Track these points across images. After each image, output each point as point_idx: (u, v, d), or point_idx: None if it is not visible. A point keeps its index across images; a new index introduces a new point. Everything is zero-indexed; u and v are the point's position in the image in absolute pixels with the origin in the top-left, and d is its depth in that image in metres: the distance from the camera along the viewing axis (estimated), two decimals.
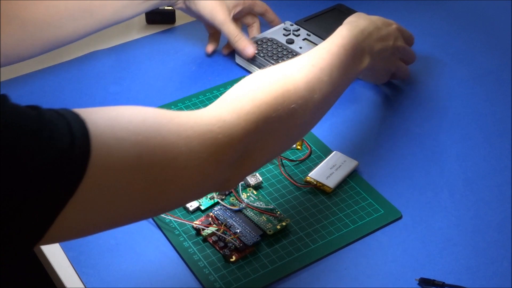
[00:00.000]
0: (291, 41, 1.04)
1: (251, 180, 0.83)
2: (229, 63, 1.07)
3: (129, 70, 1.05)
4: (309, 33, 1.06)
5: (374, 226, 0.80)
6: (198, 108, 0.93)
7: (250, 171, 0.70)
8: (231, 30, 1.01)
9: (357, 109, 0.98)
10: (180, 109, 0.96)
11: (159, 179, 0.57)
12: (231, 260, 0.75)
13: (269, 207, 0.80)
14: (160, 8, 1.15)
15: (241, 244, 0.76)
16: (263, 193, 0.83)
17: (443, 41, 1.12)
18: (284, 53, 1.02)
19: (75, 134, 0.50)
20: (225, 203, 0.81)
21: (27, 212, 0.47)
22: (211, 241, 0.77)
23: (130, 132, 0.54)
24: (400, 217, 0.81)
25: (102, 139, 0.51)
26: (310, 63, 0.73)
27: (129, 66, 1.06)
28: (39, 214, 0.48)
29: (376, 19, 0.89)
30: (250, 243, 0.76)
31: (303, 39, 1.05)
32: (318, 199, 0.83)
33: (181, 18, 1.16)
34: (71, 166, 0.49)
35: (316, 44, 0.98)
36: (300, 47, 1.03)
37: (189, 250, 0.77)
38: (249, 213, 0.80)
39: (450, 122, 0.96)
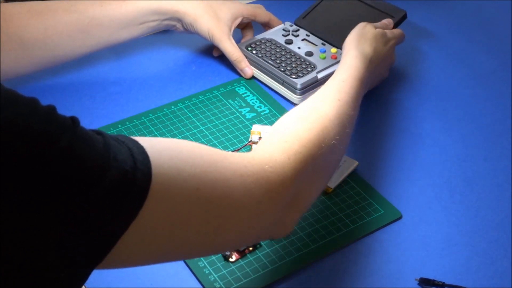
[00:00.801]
0: (289, 42, 1.03)
1: None
2: (229, 63, 1.06)
3: (129, 70, 1.05)
4: (308, 33, 1.05)
5: (374, 226, 0.80)
6: (198, 108, 0.93)
7: (303, 211, 0.69)
8: (229, 50, 1.01)
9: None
10: (180, 109, 0.96)
11: (215, 215, 0.56)
12: (231, 260, 0.75)
13: None
14: None
15: None
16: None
17: (443, 41, 1.12)
18: (283, 53, 1.01)
19: (136, 158, 0.49)
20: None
21: (91, 233, 0.47)
22: None
23: (189, 164, 0.54)
24: (400, 217, 0.81)
25: (162, 166, 0.51)
26: (336, 97, 0.75)
27: (129, 66, 1.06)
28: (102, 236, 0.48)
29: (378, 39, 0.92)
30: None
31: (302, 40, 1.04)
32: (318, 199, 0.83)
33: None
34: (134, 189, 0.49)
35: (315, 45, 1.03)
36: (299, 47, 1.02)
37: None
38: None
39: (450, 122, 0.96)
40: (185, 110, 0.96)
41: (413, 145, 0.92)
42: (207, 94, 0.99)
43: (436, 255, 0.77)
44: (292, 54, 1.01)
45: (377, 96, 1.00)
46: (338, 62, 0.94)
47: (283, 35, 1.05)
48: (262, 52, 1.02)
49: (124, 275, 0.74)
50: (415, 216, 0.82)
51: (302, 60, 1.00)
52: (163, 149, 0.53)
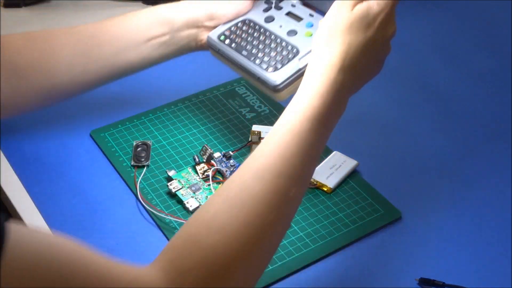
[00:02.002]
0: (270, 19, 0.81)
1: None
2: None
3: None
4: (294, 2, 0.82)
5: (374, 226, 0.80)
6: (198, 108, 0.92)
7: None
8: None
9: (357, 109, 0.98)
10: (180, 109, 0.96)
11: None
12: None
13: None
14: None
15: None
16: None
17: (443, 41, 1.12)
18: (261, 38, 0.79)
19: None
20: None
21: None
22: None
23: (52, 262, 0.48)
24: (400, 217, 0.81)
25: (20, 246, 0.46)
26: (276, 169, 0.60)
27: None
28: None
29: (355, 26, 0.68)
30: None
31: (286, 14, 0.81)
32: (318, 199, 0.83)
33: None
34: None
35: (300, 18, 0.79)
36: (280, 26, 0.79)
37: None
38: None
39: (450, 122, 0.96)
40: (185, 110, 0.96)
41: (413, 145, 0.92)
42: (207, 94, 0.99)
43: (436, 255, 0.77)
44: (272, 37, 0.79)
45: (376, 96, 1.00)
46: None
47: (264, 10, 0.83)
48: (237, 40, 0.80)
49: None
50: (415, 216, 0.81)
51: (284, 44, 0.77)
52: (27, 235, 0.48)
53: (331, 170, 0.85)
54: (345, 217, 0.81)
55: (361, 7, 0.68)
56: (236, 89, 1.00)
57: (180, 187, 0.83)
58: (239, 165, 0.84)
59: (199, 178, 0.84)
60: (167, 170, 0.85)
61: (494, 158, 0.90)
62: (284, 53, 0.76)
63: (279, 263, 0.75)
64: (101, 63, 0.81)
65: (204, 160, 0.86)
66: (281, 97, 0.76)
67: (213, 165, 0.85)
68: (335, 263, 0.76)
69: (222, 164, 0.86)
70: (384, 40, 0.72)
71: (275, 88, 0.74)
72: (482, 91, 1.02)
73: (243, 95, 0.99)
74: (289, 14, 0.81)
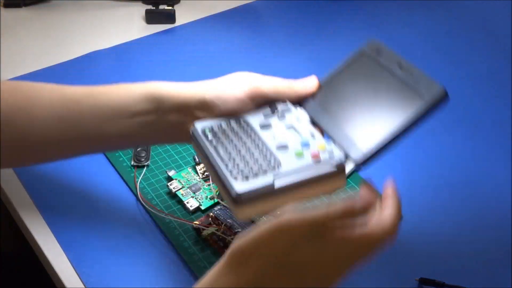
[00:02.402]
0: (266, 126, 0.69)
1: None
2: (229, 63, 1.07)
3: (129, 70, 1.05)
4: (302, 117, 0.70)
5: None
6: None
7: None
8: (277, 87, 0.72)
9: None
10: None
11: None
12: None
13: None
14: (160, 8, 1.16)
15: None
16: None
17: (443, 41, 1.12)
18: (246, 142, 0.68)
19: None
20: (225, 203, 0.81)
21: None
22: (211, 241, 0.77)
23: None
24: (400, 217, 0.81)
25: None
26: None
27: (129, 66, 1.06)
28: None
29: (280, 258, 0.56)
30: None
31: (287, 126, 0.69)
32: (318, 199, 0.83)
33: (181, 18, 1.16)
34: None
35: (300, 135, 0.68)
36: (274, 137, 0.68)
37: (189, 250, 0.77)
38: None
39: (450, 122, 0.96)
40: None
41: (413, 145, 0.92)
42: None
43: (436, 255, 0.77)
44: (259, 146, 0.67)
45: None
46: (318, 164, 0.63)
47: (264, 114, 0.71)
48: (220, 139, 0.68)
49: (124, 275, 0.74)
50: (415, 216, 0.81)
51: (268, 155, 0.65)
52: None
53: None
54: None
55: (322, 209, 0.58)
56: None
57: (180, 187, 0.83)
58: None
59: (199, 178, 0.84)
60: (167, 170, 0.85)
61: (494, 158, 0.90)
62: (263, 164, 0.64)
63: None
64: (79, 132, 0.72)
65: None
66: (242, 214, 0.62)
67: None
68: None
69: None
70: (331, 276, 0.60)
71: (235, 199, 0.61)
72: (482, 91, 1.02)
73: None
74: (290, 127, 0.70)
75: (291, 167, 0.63)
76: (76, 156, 0.77)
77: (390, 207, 0.61)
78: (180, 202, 0.82)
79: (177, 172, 0.85)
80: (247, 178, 0.62)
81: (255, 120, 0.70)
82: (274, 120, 0.70)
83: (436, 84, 0.67)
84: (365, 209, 0.60)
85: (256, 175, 0.62)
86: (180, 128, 0.72)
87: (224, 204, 0.81)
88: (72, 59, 1.07)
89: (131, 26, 1.15)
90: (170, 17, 1.15)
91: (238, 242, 0.56)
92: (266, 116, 0.71)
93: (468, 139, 0.93)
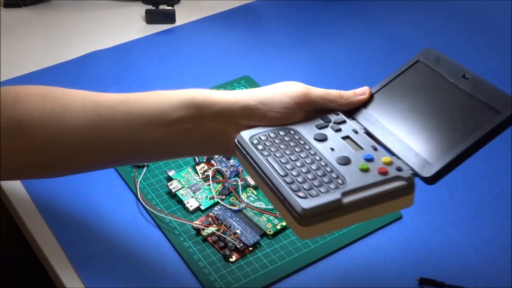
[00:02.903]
0: (322, 138, 0.66)
1: (251, 180, 0.83)
2: (229, 63, 1.07)
3: (129, 70, 1.05)
4: (358, 128, 0.67)
5: (374, 226, 0.80)
6: None
7: None
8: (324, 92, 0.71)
9: None
10: None
11: None
12: (231, 260, 0.75)
13: (269, 207, 0.80)
14: (160, 8, 1.16)
15: (241, 244, 0.76)
16: (263, 193, 0.83)
17: (443, 41, 1.12)
18: (302, 155, 0.64)
19: None
20: (225, 203, 0.81)
21: None
22: (211, 241, 0.77)
23: None
24: (400, 217, 0.81)
25: None
26: None
27: (129, 66, 1.06)
28: None
29: None
30: (250, 243, 0.76)
31: (344, 137, 0.66)
32: None
33: (181, 18, 1.16)
34: None
35: (360, 148, 0.65)
36: (332, 149, 0.64)
37: (189, 250, 0.77)
38: (249, 213, 0.80)
39: None
40: None
41: None
42: None
43: (436, 255, 0.77)
44: (317, 158, 0.64)
45: None
46: (386, 179, 0.60)
47: (317, 126, 0.68)
48: (271, 149, 0.65)
49: (124, 275, 0.74)
50: (415, 216, 0.82)
51: (328, 170, 0.62)
52: None
53: None
54: None
55: None
56: (236, 89, 1.00)
57: (180, 187, 0.83)
58: (238, 165, 0.84)
59: (199, 178, 0.84)
60: (167, 170, 0.85)
61: (494, 158, 0.90)
62: (326, 180, 0.60)
63: (279, 263, 0.75)
64: (111, 140, 0.69)
65: (204, 160, 0.86)
66: (305, 233, 0.59)
67: (213, 165, 0.85)
68: (335, 263, 0.76)
69: (222, 164, 0.86)
70: None
71: (300, 216, 0.57)
72: None
73: None
74: (347, 138, 0.66)
75: (359, 183, 0.59)
76: (108, 167, 0.75)
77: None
78: (180, 202, 0.82)
79: (177, 172, 0.85)
80: (311, 194, 0.58)
81: (307, 131, 0.67)
82: (329, 132, 0.66)
83: (509, 96, 0.63)
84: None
85: (320, 190, 0.59)
86: (220, 138, 0.68)
87: (224, 204, 0.81)
88: (72, 59, 1.07)
89: (131, 26, 1.15)
90: (170, 17, 1.15)
91: None
92: (319, 127, 0.67)
93: None
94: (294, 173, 0.61)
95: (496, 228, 0.80)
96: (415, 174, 0.61)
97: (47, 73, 1.03)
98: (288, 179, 0.60)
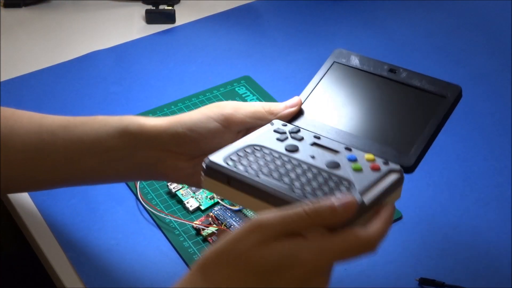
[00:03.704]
0: (293, 148, 0.63)
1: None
2: (229, 63, 1.07)
3: (129, 70, 1.05)
4: (316, 134, 0.66)
5: None
6: (198, 107, 0.92)
7: None
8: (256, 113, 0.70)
9: None
10: (180, 109, 0.96)
11: None
12: None
13: None
14: (160, 8, 1.16)
15: None
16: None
17: (443, 41, 1.12)
18: (289, 167, 0.60)
19: None
20: (225, 203, 0.81)
21: None
22: (211, 241, 0.77)
23: None
24: (400, 217, 0.81)
25: None
26: None
27: (129, 66, 1.06)
28: None
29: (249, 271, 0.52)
30: None
31: (312, 144, 0.64)
32: None
33: (181, 18, 1.16)
34: None
35: (335, 151, 0.63)
36: (312, 157, 0.62)
37: (189, 250, 0.77)
38: (249, 213, 0.80)
39: (450, 122, 0.96)
40: (185, 110, 0.96)
41: None
42: (207, 94, 0.99)
43: (436, 255, 0.77)
44: (305, 167, 0.60)
45: None
46: (383, 176, 0.60)
47: (278, 139, 0.64)
48: (254, 167, 0.60)
49: (124, 275, 0.74)
50: (415, 216, 0.81)
51: (327, 175, 0.59)
52: None
53: None
54: None
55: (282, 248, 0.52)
56: (236, 89, 1.00)
57: (180, 187, 0.83)
58: None
59: None
60: None
61: (494, 158, 0.90)
62: (332, 185, 0.58)
63: None
64: (53, 165, 0.71)
65: None
66: None
67: None
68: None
69: None
70: None
71: None
72: (482, 91, 1.02)
73: (243, 95, 0.99)
74: (315, 145, 0.64)
75: (364, 182, 0.58)
76: (54, 188, 0.77)
77: (381, 221, 0.56)
78: (180, 202, 0.82)
79: None
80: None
81: (272, 144, 0.63)
82: (294, 142, 0.64)
83: (450, 84, 0.66)
84: (342, 216, 0.54)
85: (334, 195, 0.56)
86: (154, 165, 0.69)
87: (224, 204, 0.81)
88: (72, 59, 1.07)
89: (131, 26, 1.15)
90: (170, 17, 1.15)
91: (209, 249, 0.54)
92: (280, 140, 0.64)
93: (468, 138, 0.93)
94: (297, 184, 0.58)
95: (496, 228, 0.80)
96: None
97: (47, 73, 1.03)
98: (295, 190, 0.57)
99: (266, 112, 0.69)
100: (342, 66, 0.71)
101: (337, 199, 0.54)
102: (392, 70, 0.68)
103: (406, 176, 0.87)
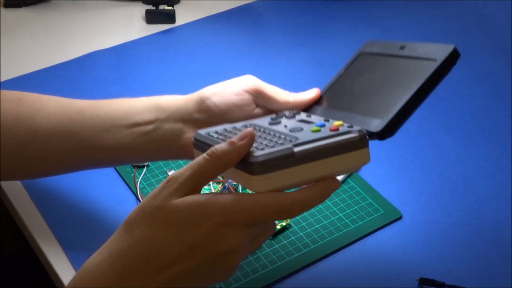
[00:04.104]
0: (276, 122, 0.67)
1: None
2: (229, 63, 1.07)
3: (129, 70, 1.05)
4: (308, 114, 0.70)
5: (374, 226, 0.80)
6: None
7: None
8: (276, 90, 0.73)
9: None
10: None
11: None
12: None
13: None
14: (160, 8, 1.16)
15: None
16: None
17: (443, 41, 1.12)
18: (259, 134, 0.63)
19: None
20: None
21: None
22: None
23: None
24: (400, 217, 0.81)
25: None
26: None
27: (129, 66, 1.06)
28: None
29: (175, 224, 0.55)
30: None
31: (298, 120, 0.67)
32: None
33: (181, 18, 1.16)
34: None
35: (310, 122, 0.65)
36: (285, 126, 0.65)
37: None
38: None
39: (450, 122, 0.96)
40: None
41: (413, 145, 0.92)
42: None
43: (436, 255, 0.77)
44: (271, 133, 0.63)
45: None
46: (337, 135, 0.60)
47: (272, 118, 0.68)
48: (229, 136, 0.62)
49: None
50: (415, 216, 0.82)
51: (282, 136, 0.61)
52: None
53: None
54: (345, 217, 0.81)
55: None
56: None
57: None
58: None
59: None
60: (167, 170, 0.85)
61: (494, 158, 0.90)
62: (280, 140, 0.60)
63: (279, 263, 0.75)
64: (77, 142, 0.72)
65: None
66: (256, 185, 0.57)
67: None
68: (335, 263, 0.76)
69: None
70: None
71: (252, 165, 0.56)
72: (482, 91, 1.02)
73: None
74: (301, 121, 0.67)
75: (309, 137, 0.59)
76: (75, 169, 0.77)
77: (310, 189, 0.58)
78: None
79: None
80: (262, 149, 0.58)
81: (262, 122, 0.67)
82: (282, 119, 0.67)
83: (445, 45, 0.65)
84: (240, 147, 0.56)
85: (273, 146, 0.58)
86: (177, 140, 0.71)
87: None
88: (72, 59, 1.07)
89: (131, 26, 1.15)
90: (170, 17, 1.15)
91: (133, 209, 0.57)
92: (273, 119, 0.68)
93: (468, 139, 0.93)
94: (254, 145, 0.59)
95: (496, 228, 0.80)
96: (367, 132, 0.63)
97: (47, 73, 1.04)
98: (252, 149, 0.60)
99: (287, 95, 0.72)
100: (364, 56, 0.74)
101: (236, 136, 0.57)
102: (402, 47, 0.70)
103: (406, 176, 0.87)
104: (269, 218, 0.56)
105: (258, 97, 0.71)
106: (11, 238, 1.05)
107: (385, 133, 0.63)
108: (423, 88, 0.64)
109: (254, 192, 0.57)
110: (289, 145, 0.58)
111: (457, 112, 0.98)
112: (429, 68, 0.64)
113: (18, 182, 0.85)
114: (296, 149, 0.58)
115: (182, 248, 0.54)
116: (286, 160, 0.57)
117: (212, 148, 0.56)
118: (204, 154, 0.56)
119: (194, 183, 0.56)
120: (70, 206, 0.82)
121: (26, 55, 1.08)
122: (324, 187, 0.58)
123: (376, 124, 0.63)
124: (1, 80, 1.02)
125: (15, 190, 0.84)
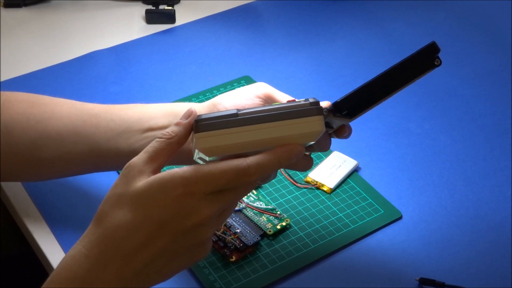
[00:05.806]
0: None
1: None
2: (229, 63, 1.07)
3: (129, 70, 1.05)
4: None
5: (374, 226, 0.80)
6: None
7: None
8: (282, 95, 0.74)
9: None
10: None
11: None
12: (231, 260, 0.75)
13: (269, 207, 0.80)
14: (160, 8, 1.16)
15: (241, 244, 0.76)
16: (263, 193, 0.83)
17: (443, 41, 1.12)
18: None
19: None
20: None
21: None
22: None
23: None
24: (400, 217, 0.81)
25: None
26: None
27: (129, 66, 1.06)
28: None
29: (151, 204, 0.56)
30: (250, 243, 0.76)
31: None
32: (318, 199, 0.83)
33: (181, 18, 1.16)
34: None
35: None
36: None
37: None
38: (249, 213, 0.80)
39: (450, 122, 0.96)
40: None
41: (413, 145, 0.92)
42: (207, 94, 0.99)
43: (436, 255, 0.77)
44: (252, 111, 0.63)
45: None
46: (291, 104, 0.62)
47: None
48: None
49: None
50: (415, 216, 0.82)
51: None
52: None
53: (331, 170, 0.85)
54: (345, 217, 0.81)
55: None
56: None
57: None
58: None
59: None
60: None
61: (494, 158, 0.90)
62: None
63: (279, 263, 0.75)
64: (91, 146, 0.73)
65: None
66: (200, 142, 0.59)
67: None
68: (335, 263, 0.76)
69: None
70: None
71: (196, 127, 0.59)
72: (482, 91, 1.02)
73: None
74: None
75: (263, 107, 0.61)
76: (87, 172, 0.78)
77: (267, 153, 0.59)
78: None
79: None
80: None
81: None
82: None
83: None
84: (185, 124, 0.60)
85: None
86: (189, 144, 0.66)
87: None
88: (72, 59, 1.07)
89: (131, 26, 1.15)
90: (170, 17, 1.15)
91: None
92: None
93: (468, 139, 0.93)
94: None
95: (496, 228, 0.80)
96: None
97: (47, 73, 1.03)
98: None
99: None
100: None
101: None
102: None
103: (406, 176, 0.87)
104: (229, 182, 0.57)
105: (269, 102, 0.72)
106: (11, 238, 1.05)
107: (343, 106, 0.64)
108: (391, 74, 0.65)
109: (207, 158, 0.60)
110: (235, 110, 0.60)
111: (457, 112, 0.98)
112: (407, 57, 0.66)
113: (19, 183, 0.84)
114: (240, 111, 0.60)
115: (151, 226, 0.55)
116: (228, 119, 0.59)
117: (163, 131, 0.60)
118: (156, 138, 0.59)
119: (153, 166, 0.58)
120: (70, 206, 0.82)
121: (26, 55, 1.08)
122: (284, 151, 0.59)
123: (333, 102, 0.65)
124: (1, 80, 1.01)
125: (15, 190, 0.84)
